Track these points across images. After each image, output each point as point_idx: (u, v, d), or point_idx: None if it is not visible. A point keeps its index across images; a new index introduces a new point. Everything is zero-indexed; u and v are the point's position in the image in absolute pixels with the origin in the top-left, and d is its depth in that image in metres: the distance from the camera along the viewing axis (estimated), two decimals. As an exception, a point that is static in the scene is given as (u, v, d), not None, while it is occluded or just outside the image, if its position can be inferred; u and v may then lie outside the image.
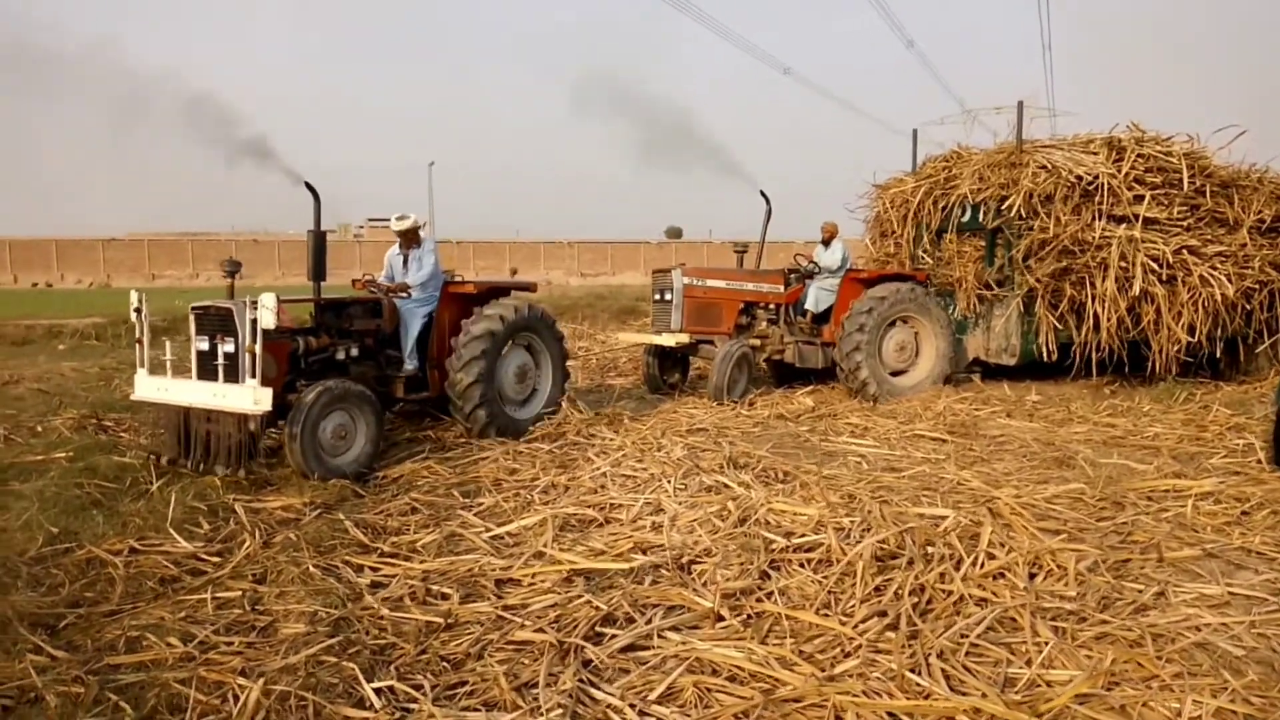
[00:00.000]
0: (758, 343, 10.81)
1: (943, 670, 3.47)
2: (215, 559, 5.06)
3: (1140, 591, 4.39)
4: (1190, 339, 10.29)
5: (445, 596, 4.47)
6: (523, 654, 3.80)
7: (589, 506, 5.85)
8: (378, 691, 3.47)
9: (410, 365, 7.94)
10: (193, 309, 6.98)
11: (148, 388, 7.08)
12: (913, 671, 3.47)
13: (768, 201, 11.36)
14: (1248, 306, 10.70)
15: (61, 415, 8.95)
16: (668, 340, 10.37)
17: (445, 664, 3.77)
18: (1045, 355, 10.71)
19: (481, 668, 3.69)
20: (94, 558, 4.99)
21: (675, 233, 73.04)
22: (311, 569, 4.78)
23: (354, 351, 7.63)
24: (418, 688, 3.51)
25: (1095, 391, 10.60)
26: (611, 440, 7.87)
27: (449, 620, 4.17)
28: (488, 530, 5.49)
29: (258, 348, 6.46)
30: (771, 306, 11.05)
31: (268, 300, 6.50)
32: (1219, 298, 10.19)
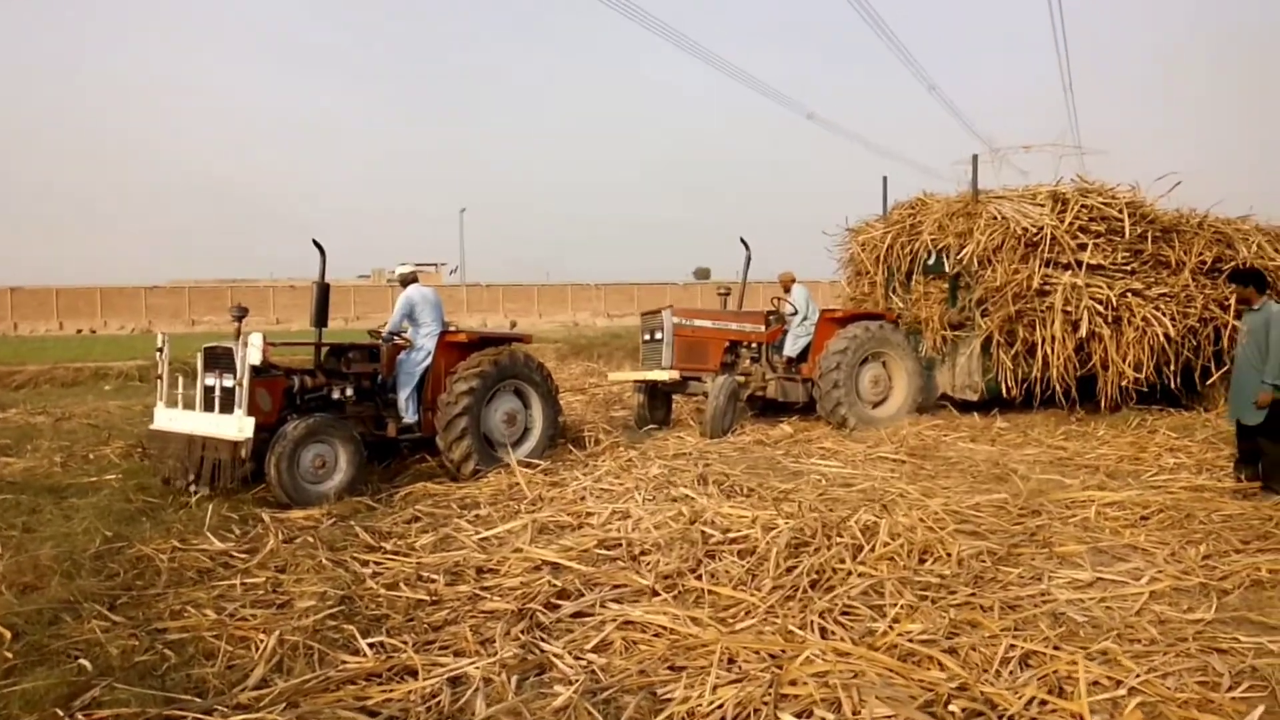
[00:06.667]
0: (743, 379, 11.58)
1: (820, 625, 4.29)
2: (244, 555, 5.98)
3: (1018, 574, 5.17)
4: (1137, 375, 10.95)
5: (433, 580, 5.35)
6: (490, 620, 4.67)
7: (567, 514, 6.71)
8: (371, 645, 4.35)
9: (406, 413, 8.51)
10: (203, 349, 7.95)
11: (163, 419, 8.05)
12: (800, 629, 4.30)
13: (747, 248, 12.32)
14: (1195, 342, 11.35)
15: (110, 445, 10.06)
16: (660, 375, 11.15)
17: (428, 627, 4.65)
18: (1006, 392, 11.40)
19: (455, 629, 4.57)
20: (143, 555, 5.92)
21: (704, 273, 74.02)
22: (324, 561, 5.70)
23: (349, 391, 8.27)
24: (404, 643, 4.38)
25: (1060, 419, 11.30)
26: (601, 464, 8.73)
27: (434, 598, 5.05)
28: (477, 533, 6.38)
29: (245, 381, 7.38)
30: (754, 345, 11.89)
31: (255, 339, 7.46)
32: (1162, 336, 10.88)
